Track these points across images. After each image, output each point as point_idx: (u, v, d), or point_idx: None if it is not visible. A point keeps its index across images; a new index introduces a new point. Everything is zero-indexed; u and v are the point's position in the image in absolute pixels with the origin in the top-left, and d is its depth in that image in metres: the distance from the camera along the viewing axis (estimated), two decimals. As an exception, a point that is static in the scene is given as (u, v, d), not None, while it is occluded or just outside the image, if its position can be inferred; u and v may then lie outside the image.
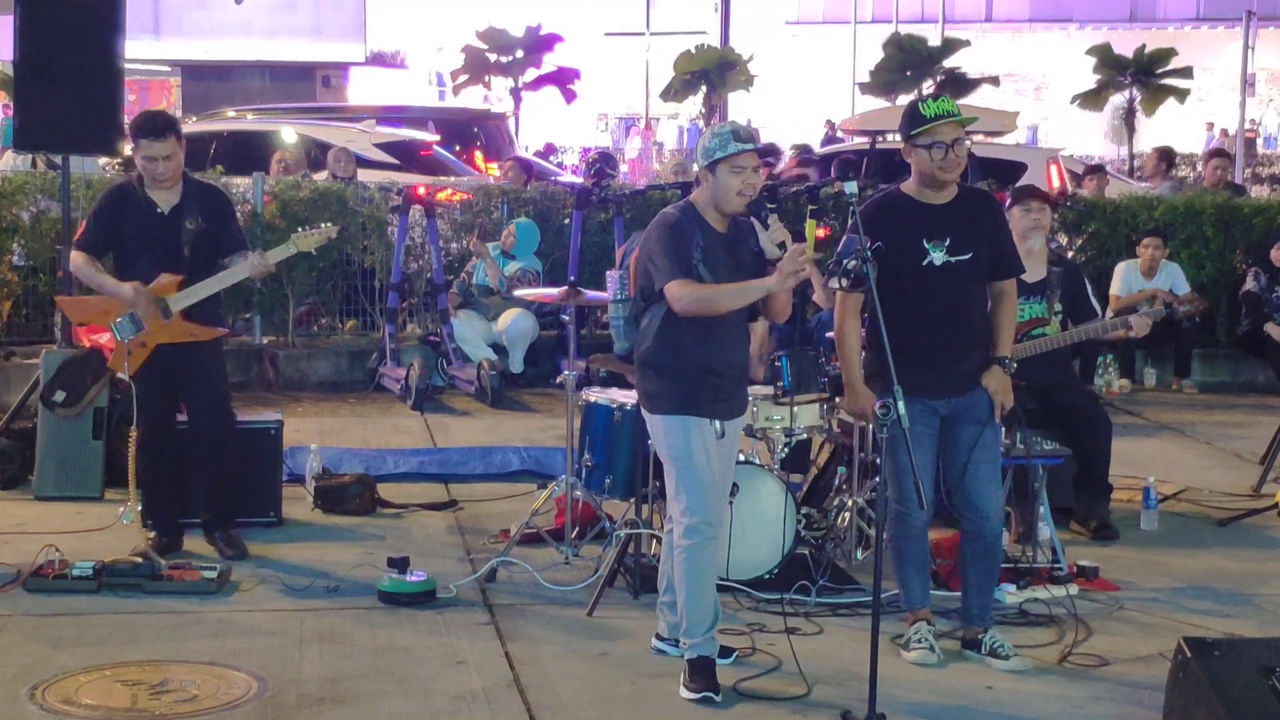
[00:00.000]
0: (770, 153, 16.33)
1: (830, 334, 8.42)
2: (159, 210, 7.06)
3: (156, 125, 7.03)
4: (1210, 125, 40.04)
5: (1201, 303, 9.64)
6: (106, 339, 8.11)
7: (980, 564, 5.97)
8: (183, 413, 7.32)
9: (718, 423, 5.60)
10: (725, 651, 5.77)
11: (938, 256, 5.79)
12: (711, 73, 38.56)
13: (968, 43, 38.53)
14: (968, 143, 5.87)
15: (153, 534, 7.13)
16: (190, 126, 18.68)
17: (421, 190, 12.01)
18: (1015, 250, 6.13)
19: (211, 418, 7.23)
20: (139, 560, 6.75)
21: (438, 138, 17.38)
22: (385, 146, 15.55)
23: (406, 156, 15.57)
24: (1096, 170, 15.99)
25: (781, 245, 5.42)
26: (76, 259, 7.19)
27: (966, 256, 5.80)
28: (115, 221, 7.11)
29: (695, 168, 5.76)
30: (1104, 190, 14.76)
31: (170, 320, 7.02)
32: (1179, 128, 40.45)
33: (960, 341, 5.82)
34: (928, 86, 36.38)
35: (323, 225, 7.57)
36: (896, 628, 6.07)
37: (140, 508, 7.48)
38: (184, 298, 7.01)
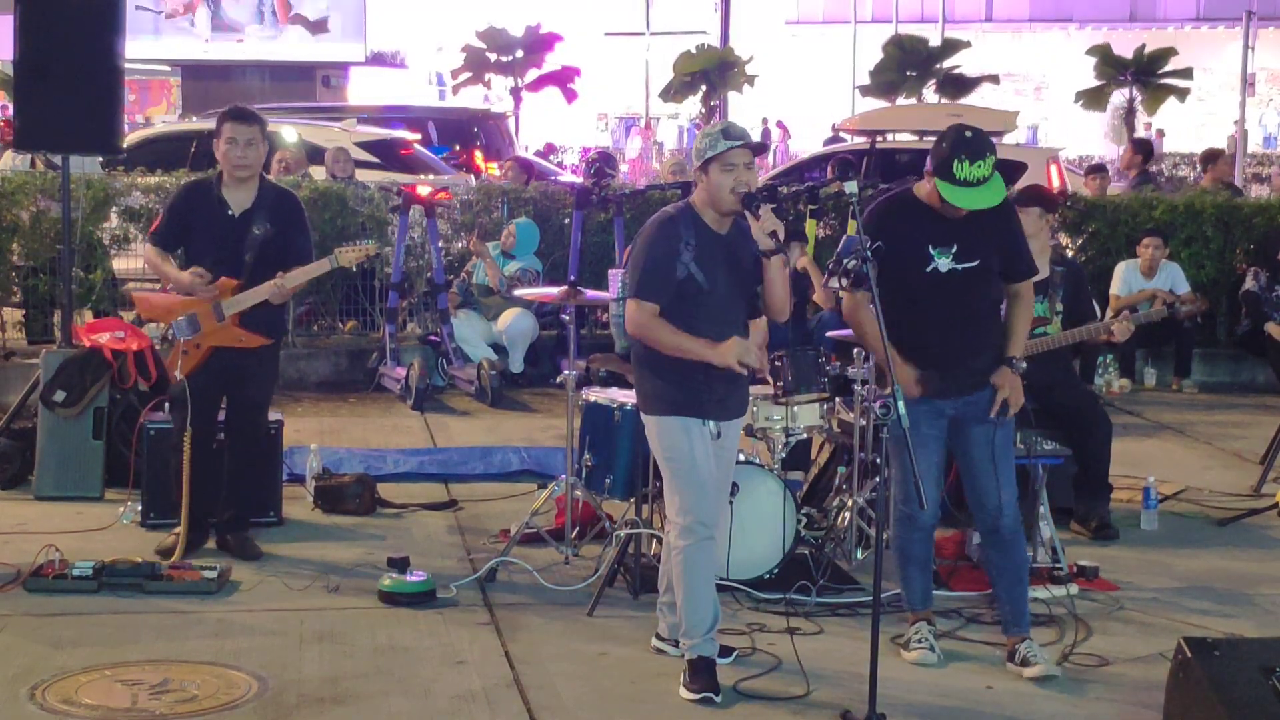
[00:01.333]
0: (764, 149, 16.28)
1: (830, 334, 8.46)
2: (229, 212, 7.05)
3: (244, 112, 7.14)
4: (1148, 125, 39.87)
5: (1203, 303, 9.65)
6: (107, 339, 8.13)
7: (1000, 564, 5.88)
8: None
9: (712, 424, 5.58)
10: (725, 651, 5.76)
11: (943, 263, 5.70)
12: (711, 73, 38.62)
13: (968, 43, 38.57)
14: None
15: (177, 531, 7.10)
16: (163, 127, 18.71)
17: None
18: (1029, 253, 5.97)
19: (247, 420, 7.24)
20: (139, 560, 6.74)
21: (418, 137, 17.44)
22: (366, 146, 15.61)
23: (387, 155, 15.63)
24: (1099, 170, 15.98)
25: (774, 235, 5.40)
26: (149, 252, 7.29)
27: (973, 264, 5.71)
28: (186, 218, 7.14)
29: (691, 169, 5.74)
30: (1105, 190, 14.75)
31: (223, 323, 7.03)
32: (1178, 127, 40.49)
33: (967, 347, 5.75)
34: (930, 89, 36.42)
35: (369, 242, 7.67)
36: (896, 628, 6.06)
37: (140, 506, 7.50)
38: (236, 302, 7.00)
